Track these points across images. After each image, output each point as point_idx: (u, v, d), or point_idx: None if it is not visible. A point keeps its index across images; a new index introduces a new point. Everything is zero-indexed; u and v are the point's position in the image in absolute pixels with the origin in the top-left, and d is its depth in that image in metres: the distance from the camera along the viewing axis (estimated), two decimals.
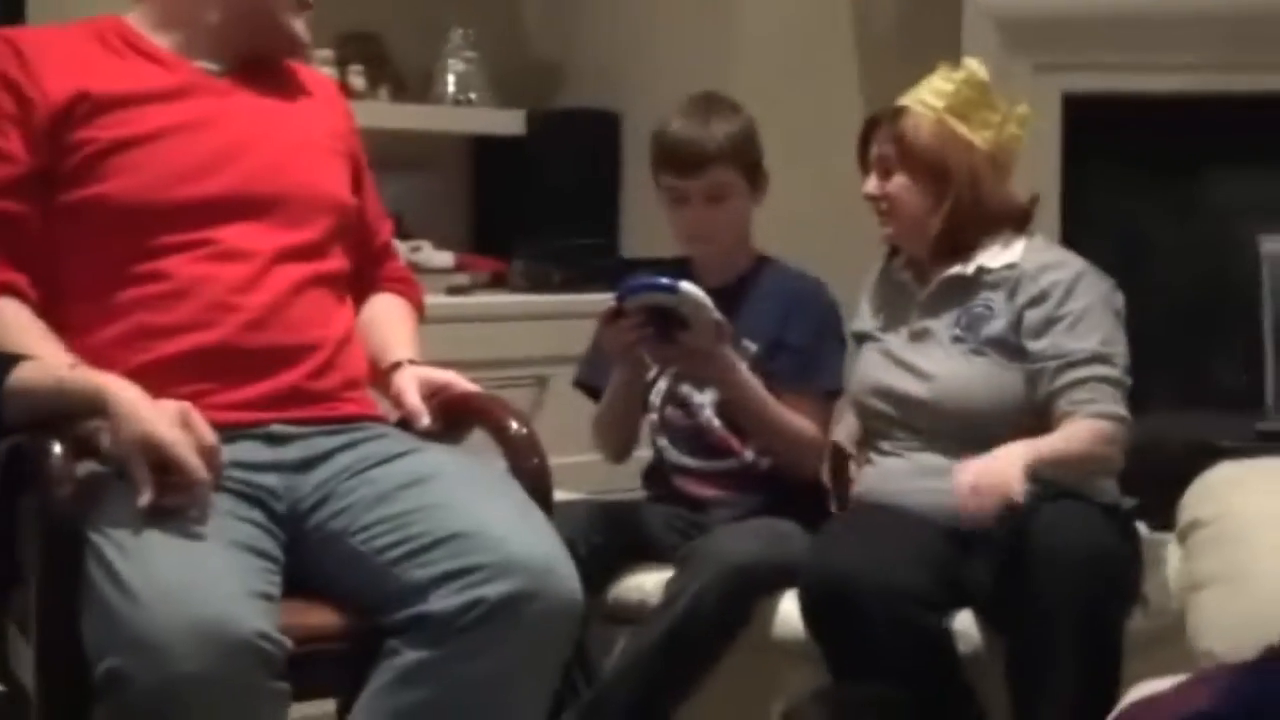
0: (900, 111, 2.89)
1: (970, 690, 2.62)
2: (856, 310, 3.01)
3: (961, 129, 2.84)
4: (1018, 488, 2.56)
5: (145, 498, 2.08)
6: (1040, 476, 2.61)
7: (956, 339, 2.82)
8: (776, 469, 2.92)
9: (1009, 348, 2.78)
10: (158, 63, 2.41)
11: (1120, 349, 2.76)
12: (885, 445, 2.88)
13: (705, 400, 2.92)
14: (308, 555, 2.24)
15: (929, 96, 2.87)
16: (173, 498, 2.10)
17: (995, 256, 2.84)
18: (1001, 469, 2.60)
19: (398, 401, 2.47)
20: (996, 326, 2.79)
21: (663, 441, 2.97)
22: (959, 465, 2.63)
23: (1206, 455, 2.42)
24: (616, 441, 2.99)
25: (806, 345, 2.93)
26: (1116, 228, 4.18)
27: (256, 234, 2.36)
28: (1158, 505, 2.55)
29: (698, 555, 2.73)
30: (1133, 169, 4.20)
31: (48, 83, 2.32)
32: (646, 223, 4.08)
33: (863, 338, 2.98)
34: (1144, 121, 4.08)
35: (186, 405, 2.17)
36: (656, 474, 3.01)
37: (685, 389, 2.94)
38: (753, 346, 2.89)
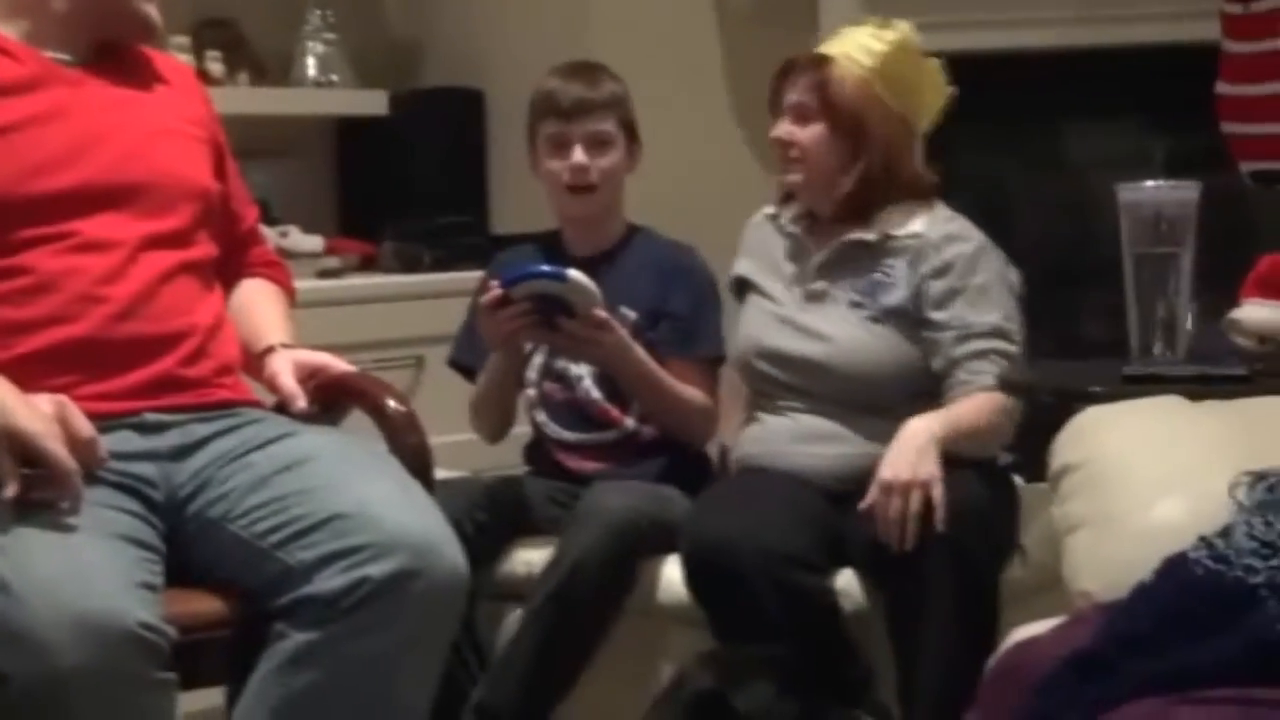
0: (825, 61, 2.86)
1: (854, 647, 2.65)
2: (733, 255, 2.98)
3: (886, 94, 2.83)
4: (938, 490, 2.56)
5: (9, 490, 2.06)
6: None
7: (855, 304, 2.82)
8: (659, 438, 2.94)
9: (908, 317, 2.79)
10: (6, 54, 2.36)
11: (1018, 327, 2.78)
12: (770, 406, 2.88)
13: (583, 372, 2.93)
14: (189, 543, 2.23)
15: (858, 53, 2.84)
16: (42, 491, 2.08)
17: (899, 225, 2.83)
18: (914, 462, 2.58)
19: (272, 385, 2.46)
20: (897, 295, 2.79)
21: (542, 417, 2.97)
22: (876, 477, 2.59)
23: (1076, 402, 2.46)
24: (494, 422, 2.98)
25: (688, 313, 2.94)
26: (982, 184, 4.23)
27: (119, 224, 2.33)
28: (1033, 456, 2.59)
29: (578, 518, 2.74)
30: (997, 126, 4.25)
31: None
32: (514, 199, 4.08)
33: (744, 284, 2.96)
34: (1005, 78, 4.12)
35: (62, 398, 2.15)
36: (537, 450, 3.01)
37: (562, 363, 2.94)
38: (631, 314, 2.90)
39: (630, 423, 2.93)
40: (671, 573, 2.75)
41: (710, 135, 4.09)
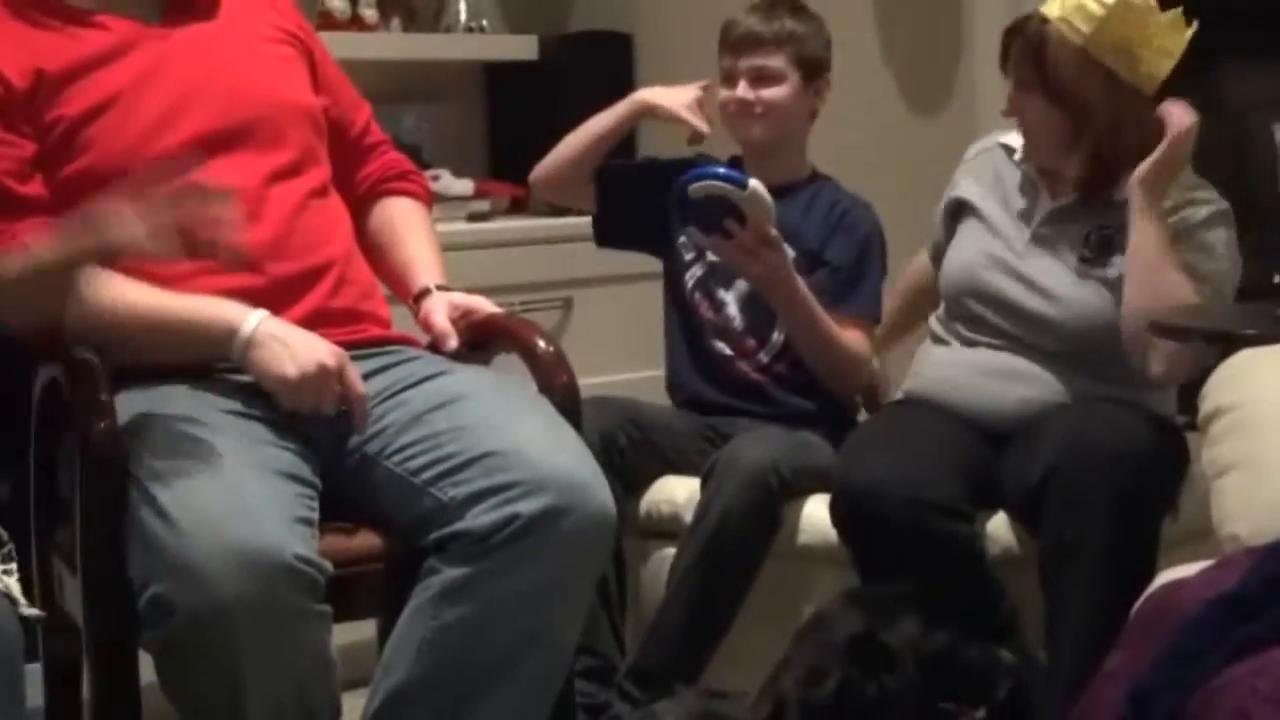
0: (1042, 28, 2.71)
1: (1001, 590, 2.63)
2: (952, 180, 2.93)
3: (1111, 61, 2.67)
4: None
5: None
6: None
7: (1084, 259, 2.74)
8: (795, 375, 2.93)
9: None
10: (90, 25, 2.36)
11: (1230, 287, 2.72)
12: (963, 336, 2.81)
13: (730, 298, 2.94)
14: (345, 479, 2.28)
15: (1078, 19, 2.67)
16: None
17: None
18: None
19: (426, 325, 2.49)
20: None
21: (693, 326, 2.98)
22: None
23: (1228, 345, 2.44)
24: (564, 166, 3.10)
25: (846, 265, 2.93)
26: None
27: (240, 166, 2.35)
28: (1185, 400, 2.57)
29: (720, 468, 2.75)
30: None
31: (6, 69, 2.29)
32: (662, 141, 4.09)
33: (962, 207, 2.88)
34: None
35: (343, 353, 2.22)
36: (679, 378, 3.02)
37: (714, 281, 2.95)
38: (790, 253, 2.86)
39: (763, 358, 2.93)
40: (814, 513, 2.76)
41: (860, 88, 4.06)
